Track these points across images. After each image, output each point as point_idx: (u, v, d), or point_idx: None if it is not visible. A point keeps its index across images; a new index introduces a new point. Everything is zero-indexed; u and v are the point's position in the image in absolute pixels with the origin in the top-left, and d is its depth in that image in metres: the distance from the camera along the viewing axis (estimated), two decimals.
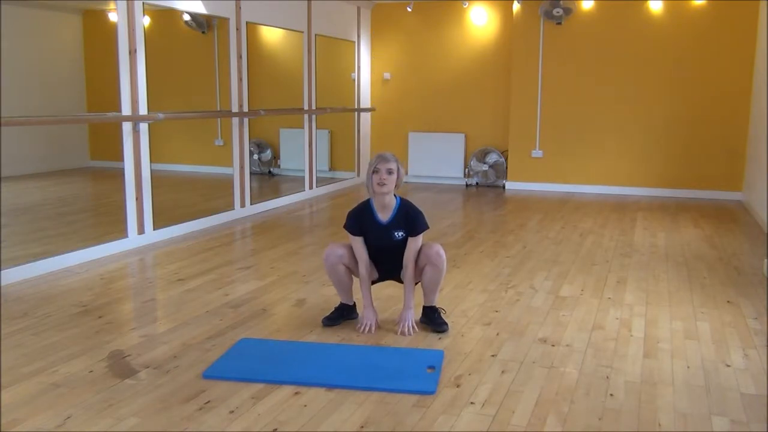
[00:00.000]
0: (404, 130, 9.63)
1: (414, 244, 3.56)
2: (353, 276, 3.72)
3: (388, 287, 4.14)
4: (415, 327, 3.60)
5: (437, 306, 3.69)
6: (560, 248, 5.59)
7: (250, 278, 4.65)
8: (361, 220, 3.60)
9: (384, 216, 3.58)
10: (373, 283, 3.75)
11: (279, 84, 8.28)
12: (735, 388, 2.94)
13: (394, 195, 3.61)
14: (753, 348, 3.41)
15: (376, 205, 3.59)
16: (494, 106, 9.29)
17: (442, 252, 3.54)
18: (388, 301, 4.09)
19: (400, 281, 3.72)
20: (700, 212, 7.37)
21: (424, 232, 3.59)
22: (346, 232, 3.63)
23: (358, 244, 3.60)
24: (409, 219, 3.57)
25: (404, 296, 3.63)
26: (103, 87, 6.63)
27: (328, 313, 3.76)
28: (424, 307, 3.68)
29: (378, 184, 3.49)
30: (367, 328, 3.60)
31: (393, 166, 3.51)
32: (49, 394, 2.83)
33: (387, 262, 3.68)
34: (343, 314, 3.75)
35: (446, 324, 3.60)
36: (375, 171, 3.50)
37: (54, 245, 5.23)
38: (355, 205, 3.69)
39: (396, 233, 3.57)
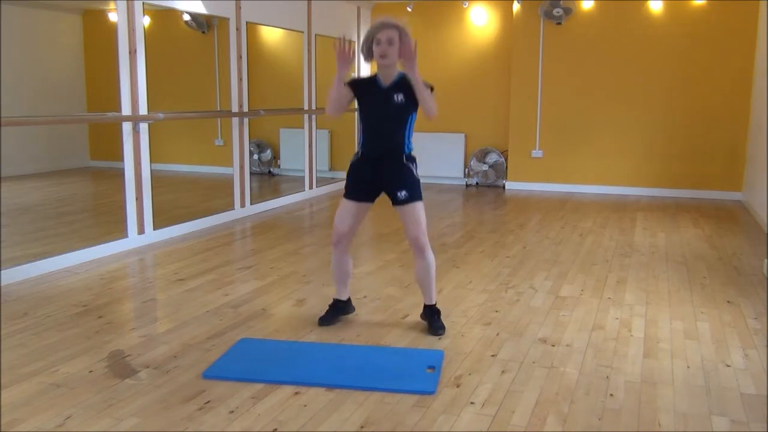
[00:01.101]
0: None
1: (426, 102, 3.30)
2: (352, 275, 3.71)
3: (388, 287, 4.14)
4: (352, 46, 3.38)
5: (437, 306, 3.67)
6: (560, 248, 5.59)
7: (250, 278, 4.65)
8: (363, 82, 3.44)
9: (386, 83, 3.41)
10: (371, 200, 3.56)
11: (279, 84, 8.28)
12: (735, 388, 2.94)
13: (398, 71, 3.40)
14: (753, 348, 3.41)
15: (380, 75, 3.42)
16: (494, 106, 9.29)
17: (421, 242, 3.41)
18: (388, 300, 4.09)
19: (392, 196, 3.50)
20: (700, 212, 7.37)
21: (432, 92, 3.34)
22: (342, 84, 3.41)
23: (343, 90, 3.39)
24: (411, 87, 3.34)
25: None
26: (103, 87, 6.64)
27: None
28: (424, 306, 3.67)
29: (380, 56, 3.28)
30: (342, 43, 3.33)
31: (394, 34, 3.24)
32: (49, 394, 2.83)
33: (382, 130, 3.47)
34: (338, 312, 3.73)
35: (443, 327, 3.58)
36: (376, 42, 3.29)
37: (54, 245, 5.23)
38: None
39: (395, 96, 3.36)
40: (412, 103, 3.40)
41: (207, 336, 3.52)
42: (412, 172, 3.53)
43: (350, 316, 3.80)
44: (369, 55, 3.40)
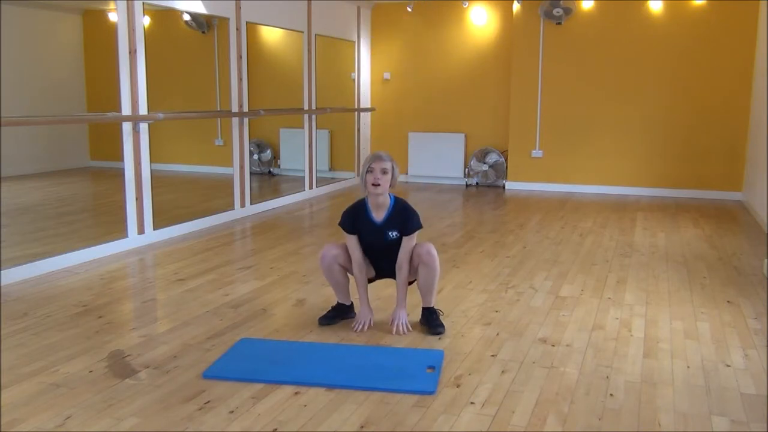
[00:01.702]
0: (404, 130, 9.63)
1: (407, 243, 3.56)
2: (349, 275, 3.72)
3: (388, 287, 4.13)
4: (408, 326, 3.60)
5: (435, 307, 3.68)
6: (560, 248, 5.59)
7: (250, 278, 4.65)
8: (355, 218, 3.60)
9: (378, 216, 3.58)
10: (370, 281, 3.75)
11: (279, 84, 8.28)
12: (735, 388, 2.94)
13: (389, 195, 3.60)
14: (753, 348, 3.41)
15: (370, 205, 3.59)
16: (494, 106, 9.29)
17: (433, 251, 3.53)
18: (388, 300, 4.09)
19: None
20: (700, 212, 7.37)
21: (418, 232, 3.58)
22: (341, 229, 3.63)
23: (352, 242, 3.60)
24: (403, 219, 3.56)
25: (397, 295, 3.63)
26: (103, 87, 6.63)
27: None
28: (423, 308, 3.68)
29: (372, 184, 3.48)
30: (360, 327, 3.60)
31: (387, 165, 3.50)
32: (49, 394, 2.83)
33: (382, 261, 3.68)
34: (340, 314, 3.75)
35: (443, 326, 3.59)
36: (369, 170, 3.50)
37: (54, 245, 5.23)
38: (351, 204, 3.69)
39: (390, 233, 3.57)
40: (403, 233, 3.59)
41: (207, 336, 3.52)
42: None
43: (351, 318, 3.80)
44: (365, 184, 3.58)
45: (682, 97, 8.34)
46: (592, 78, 8.63)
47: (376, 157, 3.51)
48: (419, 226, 3.59)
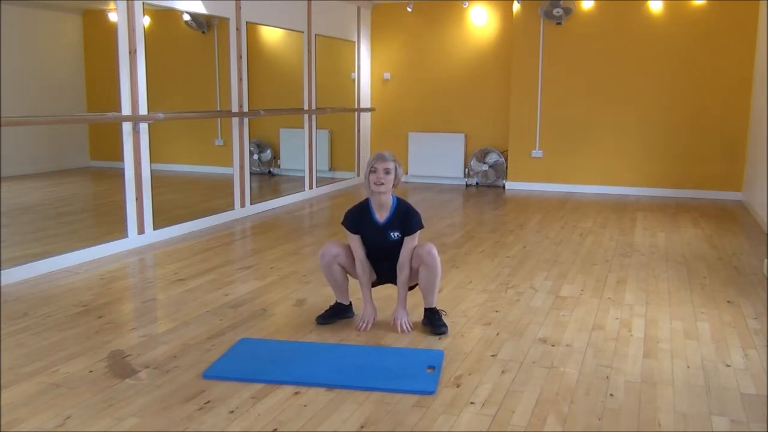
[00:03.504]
0: (404, 130, 9.63)
1: (409, 243, 3.56)
2: (348, 276, 3.73)
3: (388, 287, 4.13)
4: (410, 324, 3.61)
5: (437, 307, 3.68)
6: (560, 248, 5.59)
7: (250, 278, 4.65)
8: (358, 218, 3.60)
9: (381, 216, 3.58)
10: (372, 285, 3.75)
11: (279, 84, 8.28)
12: (735, 388, 2.94)
13: (392, 195, 3.60)
14: (753, 348, 3.41)
15: (374, 205, 3.59)
16: (494, 106, 9.29)
17: (433, 251, 3.53)
18: (388, 301, 4.09)
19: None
20: (700, 212, 7.37)
21: (419, 232, 3.59)
22: (343, 229, 3.63)
23: (355, 242, 3.61)
24: (405, 219, 3.57)
25: (397, 295, 3.64)
26: (103, 87, 6.63)
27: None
28: (425, 309, 3.67)
29: (375, 183, 3.49)
30: (365, 325, 3.61)
31: (390, 165, 3.50)
32: (49, 394, 2.83)
33: (384, 262, 3.67)
34: (338, 313, 3.75)
35: (445, 326, 3.59)
36: (372, 170, 3.50)
37: (54, 245, 5.23)
38: (354, 204, 3.70)
39: (392, 234, 3.57)
40: (405, 233, 3.59)
41: (207, 336, 3.52)
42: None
43: (350, 318, 3.80)
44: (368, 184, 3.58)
45: (682, 96, 8.34)
46: (592, 78, 8.63)
47: (379, 157, 3.52)
48: (421, 227, 3.59)
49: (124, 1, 5.32)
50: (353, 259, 3.64)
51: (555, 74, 8.76)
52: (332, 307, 3.77)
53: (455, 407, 2.73)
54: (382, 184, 3.48)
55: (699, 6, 8.13)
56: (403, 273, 3.60)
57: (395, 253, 3.60)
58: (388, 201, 3.58)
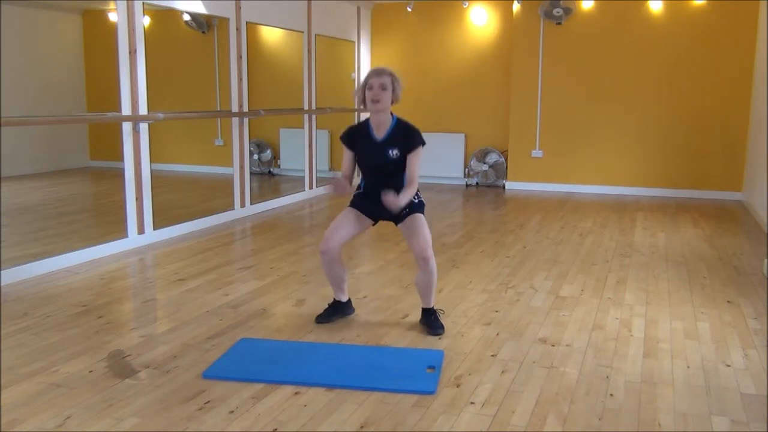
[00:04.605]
0: None
1: (412, 160, 3.42)
2: (347, 276, 3.71)
3: (388, 287, 4.14)
4: (398, 198, 3.30)
5: (435, 307, 3.68)
6: (560, 248, 5.59)
7: (250, 278, 4.65)
8: (356, 134, 3.51)
9: (379, 133, 3.47)
10: (373, 223, 3.62)
11: (279, 84, 8.28)
12: (735, 388, 2.94)
13: (391, 114, 3.48)
14: (753, 348, 3.41)
15: (372, 123, 3.49)
16: (494, 106, 9.29)
17: (427, 255, 3.41)
18: (388, 300, 4.09)
19: (393, 220, 3.54)
20: (700, 212, 7.37)
21: (421, 148, 3.44)
22: (341, 143, 3.54)
23: (346, 156, 3.52)
24: (404, 136, 3.44)
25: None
26: (103, 87, 6.64)
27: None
28: (422, 309, 3.67)
29: (372, 100, 3.36)
30: (333, 189, 3.37)
31: (387, 80, 3.36)
32: (49, 394, 2.83)
33: (380, 185, 3.43)
34: (337, 311, 3.74)
35: (442, 327, 3.58)
36: (369, 87, 3.37)
37: (54, 245, 5.23)
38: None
39: (390, 151, 3.43)
40: (406, 150, 3.44)
41: (207, 336, 3.52)
42: (413, 198, 3.52)
43: (350, 316, 3.80)
44: (363, 102, 3.45)
45: (682, 96, 8.34)
46: (592, 78, 8.63)
47: (374, 73, 3.37)
48: (422, 142, 3.45)
49: (124, 1, 5.32)
50: (351, 234, 3.55)
51: (555, 74, 8.76)
52: (331, 306, 3.76)
53: (455, 407, 2.73)
54: (379, 101, 3.35)
55: (699, 6, 8.13)
56: (408, 188, 3.38)
57: (392, 174, 3.45)
58: (387, 119, 3.45)
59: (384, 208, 3.41)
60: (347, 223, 3.57)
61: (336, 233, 3.53)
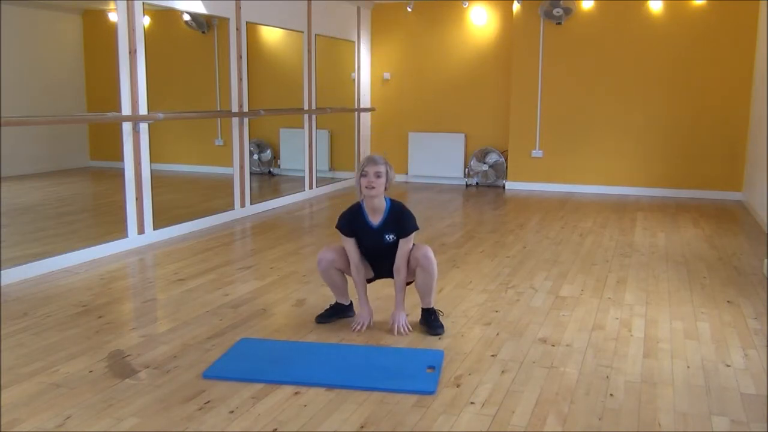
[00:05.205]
0: (404, 130, 9.63)
1: (404, 245, 3.54)
2: (347, 277, 3.72)
3: (388, 287, 4.12)
4: (408, 326, 3.60)
5: (435, 308, 3.68)
6: (560, 248, 5.59)
7: (250, 278, 4.65)
8: (352, 222, 3.59)
9: (375, 219, 3.57)
10: (369, 281, 3.75)
11: (279, 84, 8.28)
12: (735, 388, 2.94)
13: (385, 197, 3.58)
14: (753, 348, 3.41)
15: (366, 208, 3.57)
16: (494, 106, 9.29)
17: (430, 254, 3.51)
18: (388, 300, 4.09)
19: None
20: (700, 212, 7.37)
21: (415, 234, 3.58)
22: (338, 232, 3.63)
23: (349, 244, 3.59)
24: (399, 221, 3.55)
25: (395, 297, 3.63)
26: (103, 87, 6.63)
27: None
28: (422, 309, 3.67)
29: (366, 187, 3.47)
30: (359, 327, 3.60)
31: (382, 168, 3.48)
32: (49, 394, 2.83)
33: (381, 265, 3.67)
34: (338, 312, 3.75)
35: (442, 327, 3.59)
36: (363, 174, 3.47)
37: (54, 245, 5.23)
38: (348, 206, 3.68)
39: (387, 236, 3.56)
40: (400, 235, 3.57)
41: (207, 336, 3.52)
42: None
43: (350, 317, 3.80)
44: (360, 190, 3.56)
45: (682, 96, 8.34)
46: (592, 78, 8.63)
47: (369, 161, 3.49)
48: (415, 228, 3.58)
49: (124, 1, 5.32)
50: (347, 265, 3.65)
51: (555, 74, 8.76)
52: (332, 307, 3.77)
53: (455, 407, 2.73)
54: (374, 188, 3.46)
55: (699, 6, 8.13)
56: (399, 276, 3.59)
57: (392, 254, 3.59)
58: (382, 204, 3.56)
59: (382, 273, 3.70)
60: (343, 250, 3.64)
61: (335, 253, 3.62)
